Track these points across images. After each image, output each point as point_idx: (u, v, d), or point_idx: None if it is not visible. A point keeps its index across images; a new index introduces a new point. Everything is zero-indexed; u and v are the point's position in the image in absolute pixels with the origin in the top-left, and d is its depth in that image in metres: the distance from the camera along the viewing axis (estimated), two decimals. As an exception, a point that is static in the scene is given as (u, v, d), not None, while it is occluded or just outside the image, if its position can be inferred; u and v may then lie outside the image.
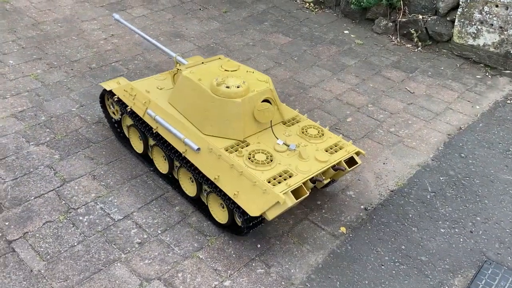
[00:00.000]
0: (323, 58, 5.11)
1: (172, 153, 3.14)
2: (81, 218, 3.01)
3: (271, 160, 2.85)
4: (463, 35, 5.03)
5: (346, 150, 3.04)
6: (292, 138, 3.08)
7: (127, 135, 3.65)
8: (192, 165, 3.02)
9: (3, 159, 3.44)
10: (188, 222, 3.04)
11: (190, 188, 3.23)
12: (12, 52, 4.75)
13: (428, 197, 3.36)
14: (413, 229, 3.10)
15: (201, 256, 2.82)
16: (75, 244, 2.84)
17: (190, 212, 3.12)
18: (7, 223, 2.94)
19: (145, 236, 2.92)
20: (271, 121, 3.11)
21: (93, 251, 2.81)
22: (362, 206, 3.26)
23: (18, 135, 3.68)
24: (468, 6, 4.89)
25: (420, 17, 5.31)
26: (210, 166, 2.90)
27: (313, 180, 2.81)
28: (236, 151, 2.91)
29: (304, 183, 2.75)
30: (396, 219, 3.16)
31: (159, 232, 2.96)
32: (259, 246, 2.93)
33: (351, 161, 3.04)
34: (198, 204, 3.19)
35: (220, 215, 3.06)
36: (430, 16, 5.28)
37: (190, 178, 3.19)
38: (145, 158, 3.53)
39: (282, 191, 2.64)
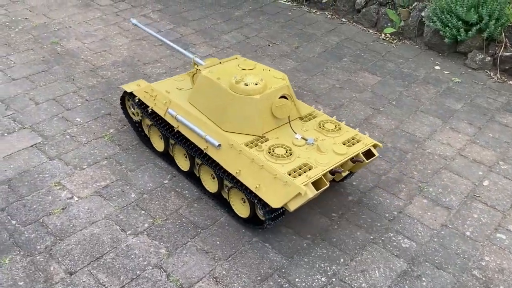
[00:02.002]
0: (424, 101, 4.53)
1: (193, 151, 3.24)
2: None
3: (291, 154, 2.94)
4: None
5: (363, 142, 3.13)
6: (310, 133, 3.17)
7: (148, 135, 3.76)
8: (213, 161, 3.12)
9: (100, 257, 2.81)
10: None
11: (211, 185, 3.33)
12: (77, 107, 4.15)
13: None
14: None
15: None
16: None
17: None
18: None
19: None
20: (289, 116, 3.21)
21: None
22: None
23: (110, 222, 3.06)
24: None
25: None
26: (231, 161, 2.99)
27: (332, 172, 2.90)
28: (255, 146, 3.01)
29: (323, 175, 2.84)
30: None
31: None
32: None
33: (368, 154, 3.13)
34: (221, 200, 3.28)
35: (242, 209, 3.15)
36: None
37: (211, 175, 3.29)
38: (166, 156, 3.63)
39: (303, 183, 2.72)
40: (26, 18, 5.63)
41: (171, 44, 4.00)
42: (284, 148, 2.98)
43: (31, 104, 4.15)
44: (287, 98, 3.14)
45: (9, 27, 5.41)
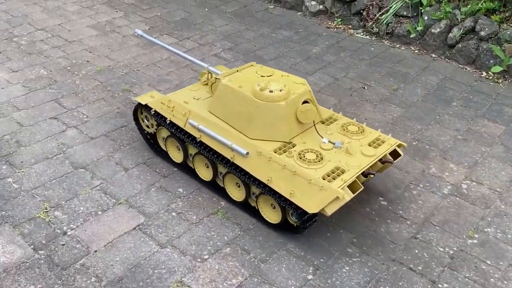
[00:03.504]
0: None
1: (218, 160, 3.20)
2: None
3: (322, 158, 2.94)
4: None
5: (388, 143, 3.17)
6: (335, 136, 3.19)
7: (163, 148, 3.69)
8: (241, 170, 3.08)
9: None
10: None
11: (237, 194, 3.29)
12: (174, 173, 3.51)
13: None
14: None
15: None
16: None
17: None
18: None
19: None
20: (313, 121, 3.21)
21: None
22: None
23: None
24: None
25: None
26: (261, 168, 2.97)
27: (365, 174, 2.91)
28: (285, 152, 3.00)
29: (357, 177, 2.84)
30: None
31: None
32: None
33: (394, 154, 3.15)
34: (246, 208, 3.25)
35: (272, 215, 3.12)
36: None
37: (237, 183, 3.26)
38: (185, 167, 3.57)
39: (339, 187, 2.73)
40: (87, 60, 5.07)
41: (183, 54, 3.96)
42: (314, 152, 2.98)
43: (119, 171, 3.55)
44: (309, 103, 3.16)
45: (71, 72, 4.85)
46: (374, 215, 3.27)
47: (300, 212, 2.82)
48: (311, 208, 2.75)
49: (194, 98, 3.48)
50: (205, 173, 3.44)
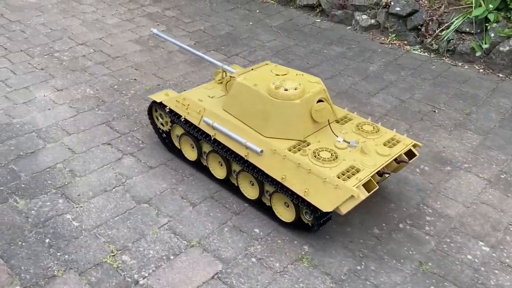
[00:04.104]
0: None
1: (232, 158, 3.18)
2: None
3: (336, 157, 2.91)
4: None
5: (403, 143, 3.13)
6: (349, 135, 3.16)
7: (177, 146, 3.69)
8: (254, 168, 3.07)
9: None
10: None
11: (251, 192, 3.28)
12: (245, 210, 3.18)
13: None
14: None
15: None
16: None
17: None
18: None
19: None
20: (328, 120, 3.20)
21: None
22: None
23: None
24: None
25: None
26: (275, 167, 2.95)
27: (380, 173, 2.90)
28: (299, 150, 2.97)
29: (372, 177, 2.81)
30: None
31: None
32: None
33: (409, 154, 3.13)
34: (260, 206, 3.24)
35: (285, 214, 3.10)
36: None
37: (250, 181, 3.25)
38: (198, 165, 3.58)
39: (354, 185, 2.71)
40: (134, 79, 4.78)
41: (197, 53, 3.98)
42: (329, 151, 2.96)
43: (186, 206, 3.23)
44: (324, 102, 3.13)
45: (119, 91, 4.55)
46: (478, 263, 2.93)
47: (317, 214, 2.82)
48: (325, 206, 2.74)
49: (209, 96, 3.47)
50: (219, 171, 3.44)
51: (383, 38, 5.88)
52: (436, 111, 4.46)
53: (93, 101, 4.38)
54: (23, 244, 2.89)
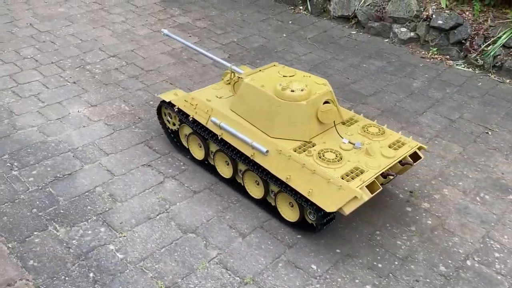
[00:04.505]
0: None
1: (238, 157, 3.21)
2: None
3: (341, 158, 2.93)
4: None
5: (409, 145, 3.14)
6: (355, 137, 3.17)
7: (185, 145, 3.73)
8: (260, 167, 3.10)
9: None
10: None
11: (256, 191, 3.30)
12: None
13: None
14: None
15: None
16: None
17: None
18: None
19: None
20: (334, 121, 3.21)
21: None
22: None
23: None
24: None
25: None
26: (280, 167, 2.97)
27: (384, 175, 2.89)
28: (304, 151, 2.99)
29: (376, 178, 2.82)
30: None
31: None
32: None
33: (414, 156, 3.13)
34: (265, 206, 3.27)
35: (290, 214, 3.12)
36: None
37: (256, 181, 3.27)
38: (206, 165, 3.61)
39: (358, 186, 2.72)
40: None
41: (206, 53, 3.98)
42: (334, 152, 2.98)
43: (235, 237, 3.01)
44: (330, 103, 3.16)
45: (155, 107, 4.39)
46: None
47: (320, 214, 2.84)
48: (329, 207, 2.76)
49: (217, 97, 3.50)
50: (226, 171, 3.47)
51: (423, 52, 5.65)
52: (489, 133, 4.21)
53: (129, 118, 4.20)
54: (67, 278, 2.70)
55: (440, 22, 5.50)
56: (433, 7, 5.69)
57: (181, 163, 3.67)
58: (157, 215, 3.17)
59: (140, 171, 3.57)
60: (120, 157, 3.71)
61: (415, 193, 3.48)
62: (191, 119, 3.46)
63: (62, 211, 3.17)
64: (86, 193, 3.32)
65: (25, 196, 3.28)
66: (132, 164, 3.63)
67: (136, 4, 6.58)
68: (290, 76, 3.28)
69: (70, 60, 5.11)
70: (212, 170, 3.50)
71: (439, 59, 5.53)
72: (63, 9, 6.31)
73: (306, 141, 3.08)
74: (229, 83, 3.59)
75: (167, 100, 3.60)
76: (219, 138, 3.29)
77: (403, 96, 4.78)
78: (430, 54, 5.61)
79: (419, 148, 3.18)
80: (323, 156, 2.93)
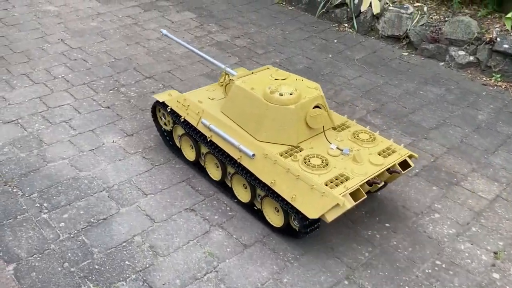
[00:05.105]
0: None
1: (227, 160, 3.19)
2: None
3: (327, 164, 2.89)
4: None
5: (399, 153, 3.08)
6: (344, 143, 3.13)
7: (178, 145, 3.71)
8: (247, 171, 3.06)
9: None
10: None
11: (243, 195, 3.26)
12: None
13: None
14: None
15: None
16: None
17: None
18: None
19: None
20: (323, 126, 3.16)
21: None
22: None
23: None
24: None
25: None
26: (266, 171, 2.95)
27: (370, 182, 2.86)
28: (290, 156, 2.96)
29: (361, 186, 2.79)
30: None
31: None
32: None
33: (404, 164, 3.06)
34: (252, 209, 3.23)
35: (275, 219, 3.08)
36: None
37: (244, 184, 3.23)
38: (196, 166, 3.58)
39: (341, 194, 2.69)
40: (211, 122, 4.25)
41: (201, 54, 3.97)
42: (320, 158, 2.95)
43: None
44: (320, 108, 3.12)
45: (196, 139, 4.03)
46: None
47: (301, 217, 2.79)
48: (311, 213, 2.73)
49: (209, 98, 3.51)
50: (215, 173, 3.45)
51: (484, 78, 5.14)
52: None
53: (168, 150, 3.83)
54: None
55: (506, 46, 4.98)
56: (497, 29, 5.21)
57: (228, 208, 3.27)
58: (205, 275, 2.76)
59: (183, 217, 3.18)
60: (160, 198, 3.33)
61: (501, 254, 3.02)
62: (182, 120, 3.46)
63: (97, 267, 2.78)
64: (124, 244, 2.94)
65: (55, 245, 2.91)
66: (173, 208, 3.25)
67: (171, 19, 6.25)
68: (282, 80, 3.24)
69: (103, 81, 4.78)
70: (262, 220, 3.12)
71: (503, 87, 5.01)
72: (96, 24, 6.01)
73: (293, 146, 3.05)
74: (222, 85, 3.58)
75: (161, 100, 3.60)
76: (208, 140, 3.28)
77: (469, 130, 4.29)
78: (493, 81, 5.09)
79: (410, 156, 3.11)
80: (309, 161, 2.90)
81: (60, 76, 4.80)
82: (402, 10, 5.79)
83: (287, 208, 2.87)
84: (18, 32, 5.68)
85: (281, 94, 3.01)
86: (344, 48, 5.76)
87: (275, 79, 3.23)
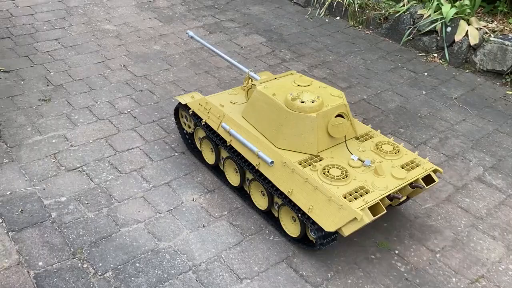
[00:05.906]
0: None
1: (245, 166, 3.15)
2: None
3: (346, 176, 2.81)
4: None
5: (423, 167, 2.97)
6: (366, 154, 3.04)
7: (199, 148, 3.70)
8: (265, 178, 3.03)
9: None
10: None
11: (261, 202, 3.21)
12: None
13: None
14: None
15: None
16: None
17: None
18: None
19: None
20: (345, 136, 3.09)
21: None
22: None
23: None
24: None
25: None
26: (284, 179, 2.90)
27: (390, 197, 2.77)
28: (310, 165, 2.90)
29: (381, 200, 2.70)
30: None
31: None
32: None
33: (428, 179, 2.96)
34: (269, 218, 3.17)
35: (292, 228, 3.01)
36: None
37: (261, 191, 3.18)
38: (216, 170, 3.55)
39: (359, 207, 2.60)
40: (303, 177, 3.66)
41: (226, 57, 3.93)
42: (340, 169, 2.85)
43: None
44: (343, 117, 3.03)
45: (289, 199, 3.45)
46: None
47: (317, 227, 2.70)
48: (328, 226, 2.64)
49: (231, 102, 3.47)
50: (234, 178, 3.40)
51: None
52: None
53: (258, 216, 3.22)
54: None
55: None
56: None
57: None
58: None
59: (288, 313, 2.61)
60: (259, 285, 2.72)
61: None
62: (203, 123, 3.44)
63: None
64: None
65: None
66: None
67: (239, 43, 5.69)
68: (305, 86, 3.16)
69: (174, 119, 4.27)
70: None
71: None
72: (159, 47, 5.49)
73: (313, 155, 2.97)
74: (245, 89, 3.52)
75: (183, 102, 3.58)
76: (228, 144, 3.24)
77: None
78: None
79: (435, 171, 2.98)
80: (328, 172, 2.81)
81: (126, 111, 4.28)
82: (506, 42, 5.09)
83: (303, 219, 2.78)
84: (76, 55, 5.22)
85: (302, 102, 2.93)
86: (437, 83, 5.07)
87: (298, 86, 3.17)
